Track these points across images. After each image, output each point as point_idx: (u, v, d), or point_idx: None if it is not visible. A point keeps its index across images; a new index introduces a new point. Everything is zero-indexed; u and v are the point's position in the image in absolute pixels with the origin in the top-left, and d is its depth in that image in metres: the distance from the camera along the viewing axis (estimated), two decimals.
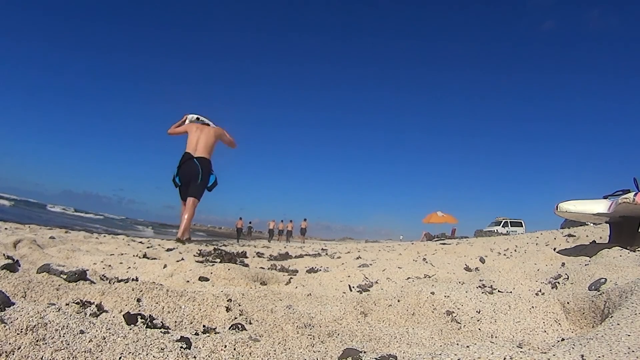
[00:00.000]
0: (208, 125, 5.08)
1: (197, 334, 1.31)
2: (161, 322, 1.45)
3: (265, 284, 2.76)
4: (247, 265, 3.81)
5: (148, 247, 6.31)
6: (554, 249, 4.79)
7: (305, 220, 27.35)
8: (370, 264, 3.79)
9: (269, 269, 3.62)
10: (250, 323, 1.55)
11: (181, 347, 1.10)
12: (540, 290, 2.08)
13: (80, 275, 2.02)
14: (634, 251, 3.17)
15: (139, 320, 1.39)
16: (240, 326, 1.47)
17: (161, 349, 1.08)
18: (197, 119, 5.23)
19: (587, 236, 6.46)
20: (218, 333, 1.36)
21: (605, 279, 1.96)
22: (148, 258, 4.21)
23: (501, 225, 25.95)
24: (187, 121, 5.15)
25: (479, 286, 2.11)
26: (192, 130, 4.86)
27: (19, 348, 0.98)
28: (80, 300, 1.55)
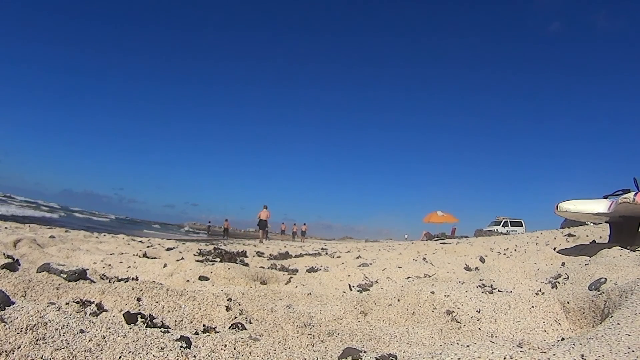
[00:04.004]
0: (265, 209, 18.48)
1: (197, 333, 1.31)
2: (161, 321, 1.46)
3: (265, 283, 2.76)
4: (247, 265, 3.81)
5: (148, 247, 6.31)
6: (554, 249, 4.80)
7: (305, 224, 31.10)
8: (370, 264, 3.79)
9: (269, 268, 3.63)
10: (250, 322, 1.55)
11: (181, 347, 1.10)
12: (540, 290, 2.08)
13: (80, 275, 2.02)
14: (634, 251, 3.17)
15: (139, 319, 1.40)
16: (240, 325, 1.47)
17: (161, 349, 1.08)
18: (264, 206, 18.67)
19: (587, 236, 6.47)
20: (218, 332, 1.36)
21: (606, 279, 1.96)
22: (148, 257, 4.21)
23: (501, 224, 25.90)
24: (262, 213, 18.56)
25: (479, 286, 2.11)
26: (262, 212, 18.34)
27: (19, 347, 0.98)
28: (80, 299, 1.55)
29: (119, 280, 2.36)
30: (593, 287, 1.89)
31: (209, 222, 42.93)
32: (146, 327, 1.32)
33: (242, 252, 5.72)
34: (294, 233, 29.85)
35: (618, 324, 1.17)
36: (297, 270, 3.55)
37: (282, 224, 31.20)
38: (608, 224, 4.66)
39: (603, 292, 1.58)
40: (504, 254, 4.91)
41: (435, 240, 15.22)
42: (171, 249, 6.21)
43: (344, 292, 2.42)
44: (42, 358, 0.97)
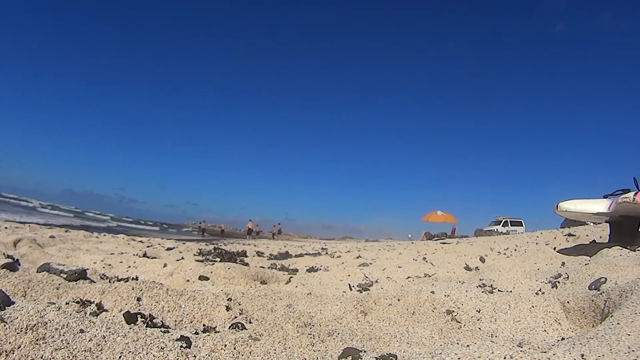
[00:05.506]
0: (251, 222, 29.34)
1: (197, 333, 1.31)
2: (161, 321, 1.46)
3: (266, 283, 2.76)
4: (247, 265, 3.81)
5: (148, 247, 6.31)
6: (554, 249, 4.80)
7: (279, 223, 34.38)
8: (370, 263, 3.79)
9: (269, 268, 3.63)
10: (250, 322, 1.55)
11: (181, 346, 1.10)
12: (540, 290, 2.08)
13: (80, 274, 2.02)
14: (634, 250, 3.17)
15: (139, 319, 1.40)
16: (240, 325, 1.47)
17: (161, 348, 1.08)
18: (250, 220, 29.63)
19: (587, 235, 6.47)
20: (218, 332, 1.36)
21: (606, 279, 1.96)
22: (148, 257, 4.21)
23: (501, 224, 25.89)
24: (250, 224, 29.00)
25: (479, 285, 2.11)
26: (249, 224, 29.20)
27: (19, 347, 0.98)
28: (81, 299, 1.55)
29: (119, 280, 2.36)
30: (593, 286, 1.89)
31: (202, 221, 44.40)
32: (146, 327, 1.32)
33: (242, 252, 5.73)
34: (274, 234, 32.67)
35: (618, 323, 1.17)
36: (297, 270, 3.55)
37: (256, 226, 34.73)
38: (608, 224, 4.66)
39: (603, 292, 1.58)
40: (504, 253, 4.92)
41: (435, 240, 15.22)
42: (171, 248, 6.21)
43: (344, 291, 2.42)
44: (42, 358, 0.97)
